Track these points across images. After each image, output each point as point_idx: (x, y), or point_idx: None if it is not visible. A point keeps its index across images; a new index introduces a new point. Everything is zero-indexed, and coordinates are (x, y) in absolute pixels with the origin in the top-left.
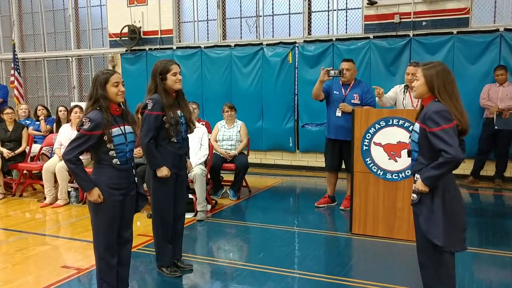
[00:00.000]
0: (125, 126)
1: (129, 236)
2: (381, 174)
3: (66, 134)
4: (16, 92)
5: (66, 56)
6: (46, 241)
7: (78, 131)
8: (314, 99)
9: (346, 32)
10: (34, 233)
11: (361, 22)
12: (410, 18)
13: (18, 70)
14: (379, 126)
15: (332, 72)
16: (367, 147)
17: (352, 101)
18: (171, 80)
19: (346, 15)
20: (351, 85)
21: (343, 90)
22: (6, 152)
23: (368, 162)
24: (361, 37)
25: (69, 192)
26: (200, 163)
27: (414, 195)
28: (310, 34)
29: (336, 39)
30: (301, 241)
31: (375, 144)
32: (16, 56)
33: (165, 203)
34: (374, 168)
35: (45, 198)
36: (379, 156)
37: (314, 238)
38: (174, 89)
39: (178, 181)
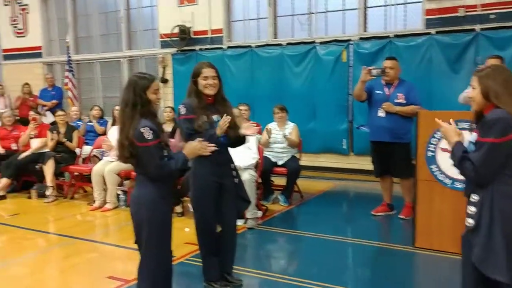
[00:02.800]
0: None
1: None
2: (449, 183)
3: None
4: (70, 93)
5: (118, 58)
6: (93, 248)
7: (142, 146)
8: (356, 100)
9: (405, 28)
10: (81, 239)
11: (422, 17)
12: (476, 11)
13: (72, 72)
14: None
15: (374, 72)
16: (432, 153)
17: (396, 100)
18: (201, 84)
19: (405, 10)
20: (394, 84)
21: (386, 90)
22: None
23: (433, 170)
24: (421, 33)
25: (118, 195)
26: (249, 168)
27: (470, 220)
28: (366, 31)
29: (394, 36)
30: (356, 254)
31: (443, 150)
32: (69, 58)
33: (205, 213)
34: (440, 176)
35: (94, 201)
36: (446, 163)
37: (371, 250)
38: (205, 93)
39: (222, 190)
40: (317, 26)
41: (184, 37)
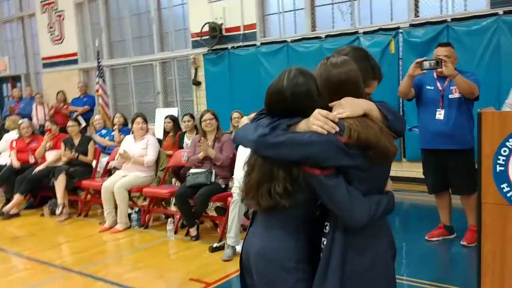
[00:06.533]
0: None
1: None
2: None
3: (128, 147)
4: (101, 100)
5: (150, 61)
6: (85, 285)
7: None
8: (402, 98)
9: (465, 10)
10: (75, 272)
11: None
12: None
13: (102, 78)
14: None
15: (427, 64)
16: (503, 168)
17: (451, 96)
18: None
19: None
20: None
21: (438, 84)
22: (69, 155)
23: (505, 190)
24: (486, 14)
25: (129, 215)
26: None
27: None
28: (418, 16)
29: (452, 20)
30: None
31: None
32: (99, 64)
33: None
34: None
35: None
36: None
37: None
38: None
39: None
40: (361, 14)
41: (215, 35)
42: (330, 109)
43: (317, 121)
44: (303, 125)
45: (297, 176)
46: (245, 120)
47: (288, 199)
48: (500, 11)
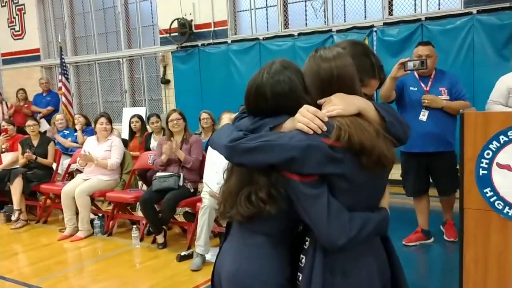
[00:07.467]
0: None
1: None
2: (511, 213)
3: (90, 149)
4: (64, 99)
5: (117, 58)
6: None
7: None
8: (383, 101)
9: (439, 9)
10: (34, 286)
11: None
12: None
13: (66, 75)
14: (506, 139)
15: (411, 65)
16: (486, 172)
17: (439, 97)
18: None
19: None
20: (432, 76)
21: (422, 85)
22: (27, 156)
23: (488, 195)
24: (460, 13)
25: (92, 221)
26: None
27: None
28: (392, 15)
29: (426, 18)
30: None
31: (501, 166)
32: (63, 60)
33: None
34: (498, 203)
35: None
36: (507, 184)
37: None
38: None
39: None
40: (334, 12)
41: (185, 32)
42: (319, 107)
43: (303, 118)
44: (288, 124)
45: (276, 182)
46: (225, 120)
47: (274, 205)
48: (474, 10)
